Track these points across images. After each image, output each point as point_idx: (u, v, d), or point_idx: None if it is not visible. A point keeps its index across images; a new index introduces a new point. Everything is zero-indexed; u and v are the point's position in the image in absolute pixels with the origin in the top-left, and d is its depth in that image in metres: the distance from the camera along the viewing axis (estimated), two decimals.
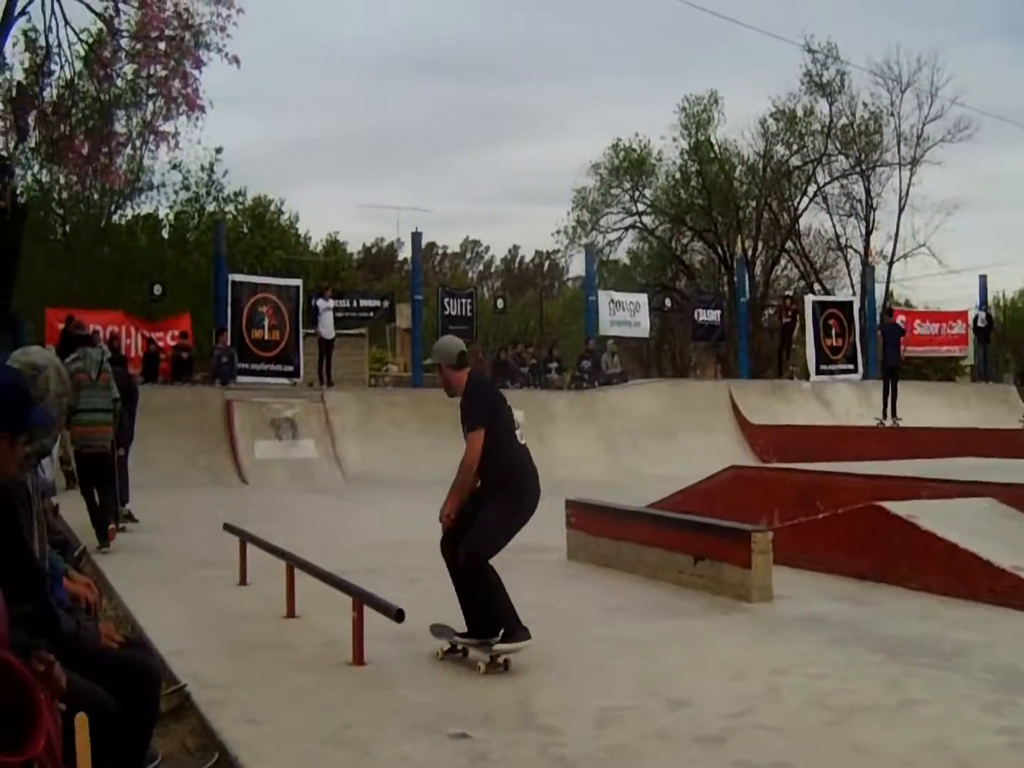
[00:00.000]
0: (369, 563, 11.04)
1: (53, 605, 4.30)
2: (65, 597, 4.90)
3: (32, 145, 28.48)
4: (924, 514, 9.89)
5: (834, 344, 33.99)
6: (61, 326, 25.50)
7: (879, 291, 43.46)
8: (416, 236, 31.09)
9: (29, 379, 4.34)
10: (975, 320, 35.72)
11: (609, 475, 23.67)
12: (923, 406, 31.02)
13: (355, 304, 30.00)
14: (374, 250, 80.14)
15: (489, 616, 7.42)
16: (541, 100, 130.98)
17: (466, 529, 7.46)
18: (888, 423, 27.64)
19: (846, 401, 31.29)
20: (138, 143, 33.06)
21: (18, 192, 28.23)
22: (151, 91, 27.58)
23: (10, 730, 3.13)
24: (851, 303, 36.21)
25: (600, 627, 8.43)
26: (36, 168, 35.63)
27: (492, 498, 7.62)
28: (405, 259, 52.59)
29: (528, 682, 6.71)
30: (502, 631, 7.19)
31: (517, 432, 8.19)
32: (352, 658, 7.09)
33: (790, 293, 33.68)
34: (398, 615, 6.62)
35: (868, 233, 48.54)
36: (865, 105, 47.30)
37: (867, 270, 40.36)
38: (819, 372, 33.39)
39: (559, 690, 6.56)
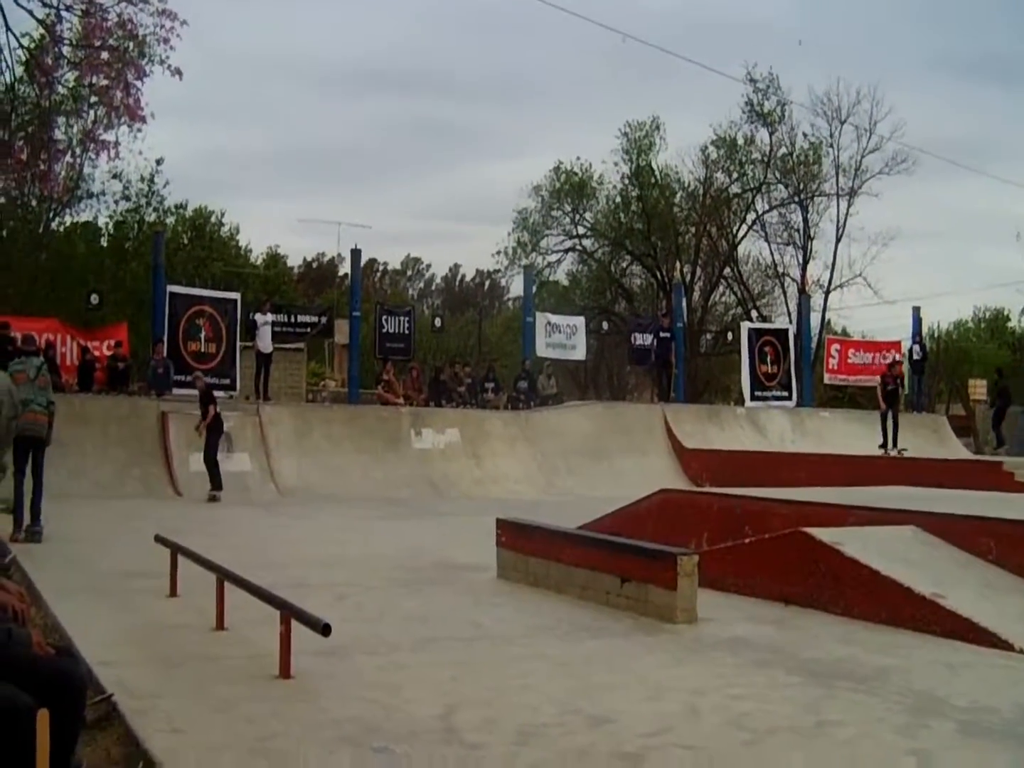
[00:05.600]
0: (299, 578, 11.09)
1: None
2: None
3: None
4: (848, 541, 10.04)
5: (769, 371, 34.32)
6: None
7: (815, 319, 43.95)
8: (356, 253, 31.10)
9: None
10: (910, 352, 36.14)
11: (543, 495, 23.82)
12: (855, 435, 31.41)
13: (293, 319, 29.98)
14: (315, 264, 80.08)
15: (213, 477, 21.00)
16: (488, 120, 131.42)
17: None
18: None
19: (780, 427, 31.60)
20: (78, 151, 32.87)
21: None
22: (92, 100, 27.44)
23: None
24: (787, 331, 36.57)
25: (526, 646, 8.50)
26: None
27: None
28: (345, 275, 52.40)
29: (453, 698, 6.76)
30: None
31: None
32: (279, 671, 7.13)
33: (898, 358, 32.79)
34: (324, 629, 6.67)
35: (805, 262, 49.10)
36: (805, 136, 47.94)
37: (803, 299, 40.77)
38: (754, 398, 33.70)
39: (483, 706, 6.60)
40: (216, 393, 24.50)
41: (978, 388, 48.31)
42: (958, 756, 5.83)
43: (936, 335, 55.19)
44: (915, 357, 35.88)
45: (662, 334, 32.84)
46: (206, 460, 21.60)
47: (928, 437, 33.16)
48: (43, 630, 8.01)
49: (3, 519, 14.92)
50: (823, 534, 10.18)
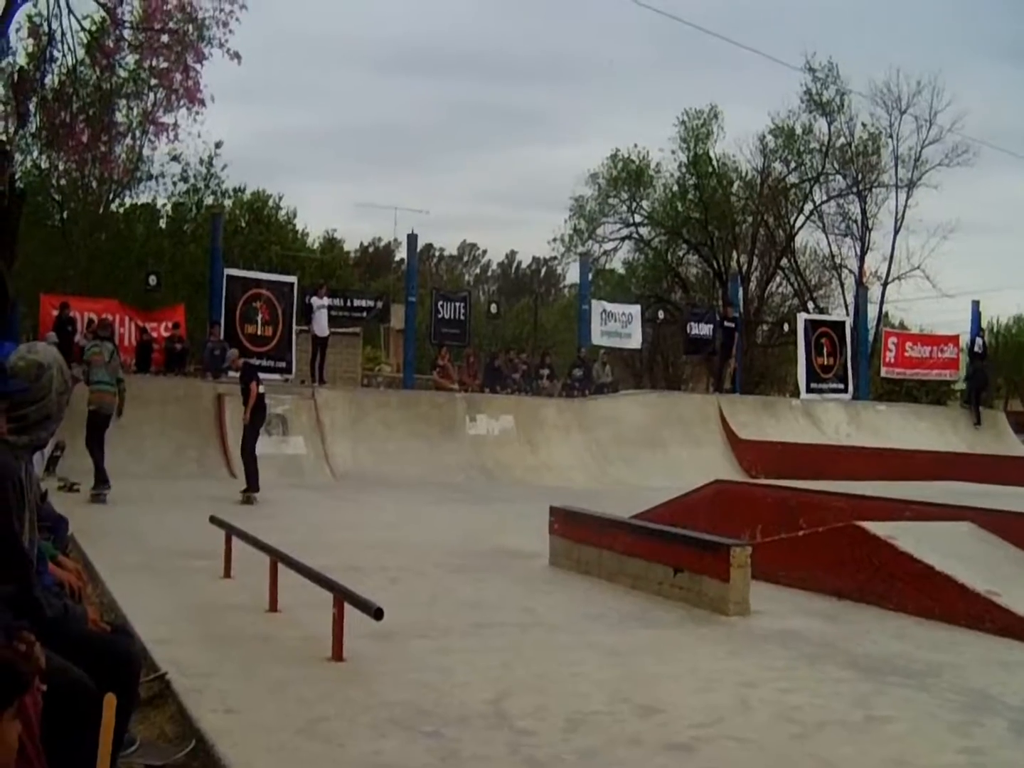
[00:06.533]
0: (353, 561, 11.14)
1: (37, 591, 4.38)
2: (51, 582, 4.99)
3: (32, 131, 28.57)
4: (903, 535, 9.98)
5: (825, 363, 34.09)
6: (55, 312, 25.58)
7: (872, 312, 43.64)
8: (412, 238, 31.12)
9: (34, 378, 4.42)
10: (972, 345, 35.78)
11: (596, 484, 23.78)
12: (912, 428, 31.20)
13: (349, 303, 30.01)
14: (371, 249, 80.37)
15: (249, 475, 18.31)
16: (545, 106, 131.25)
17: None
18: None
19: (835, 420, 31.38)
20: (138, 133, 33.10)
21: (17, 177, 28.28)
22: (152, 82, 27.67)
23: None
24: (843, 323, 36.27)
25: (578, 634, 8.51)
26: (36, 153, 35.55)
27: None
28: (401, 259, 52.68)
29: (505, 684, 6.79)
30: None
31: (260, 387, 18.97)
32: (331, 654, 7.18)
33: None
34: (377, 613, 6.71)
35: (863, 253, 48.61)
36: (864, 126, 47.42)
37: (861, 290, 40.42)
38: (809, 390, 33.49)
39: (535, 693, 6.63)
40: (271, 377, 24.58)
41: None
42: (1010, 755, 5.79)
43: (995, 330, 54.63)
44: (977, 351, 35.53)
45: (726, 324, 32.73)
46: (243, 453, 18.82)
47: (986, 432, 32.90)
48: (99, 608, 8.10)
49: (62, 496, 15.09)
50: (878, 528, 10.12)
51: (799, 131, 48.03)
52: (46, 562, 5.11)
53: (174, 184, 45.16)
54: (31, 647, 3.78)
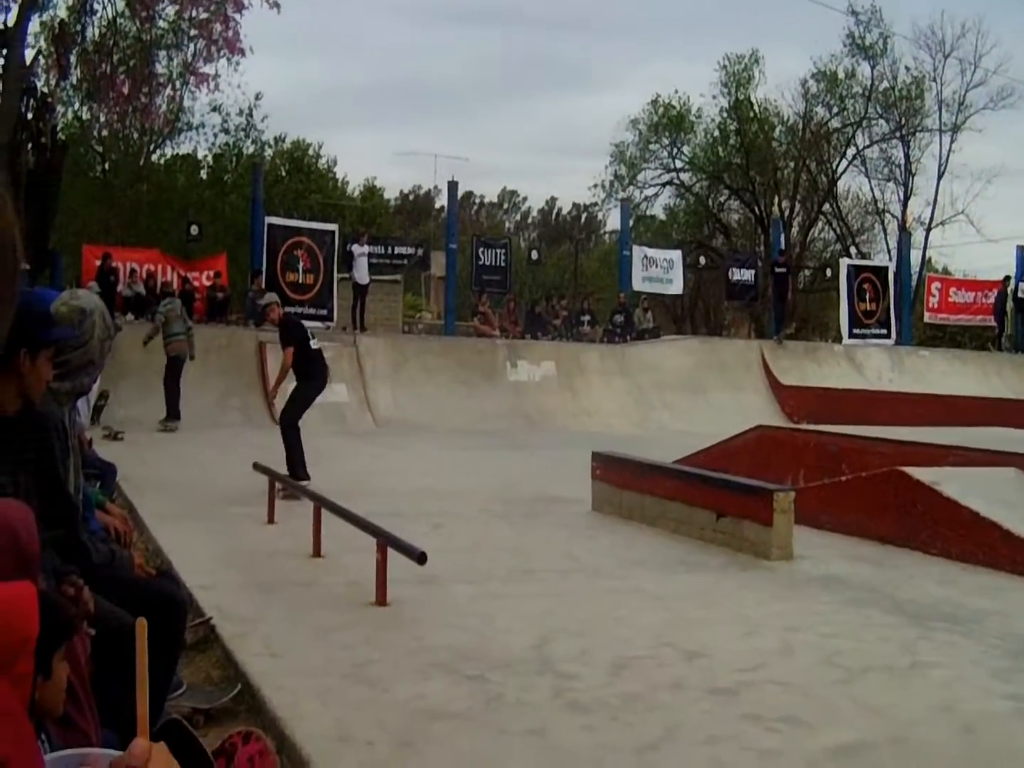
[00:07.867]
0: (396, 507, 11.18)
1: (84, 536, 4.41)
2: (98, 528, 5.03)
3: (73, 83, 28.61)
4: (947, 481, 9.92)
5: (868, 308, 33.85)
6: (97, 262, 25.69)
7: (915, 257, 43.25)
8: (452, 185, 31.02)
9: (76, 323, 4.43)
10: (1015, 291, 35.38)
11: (638, 429, 23.75)
12: (956, 374, 30.96)
13: (390, 250, 30.05)
14: (411, 197, 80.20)
15: (292, 461, 12.72)
16: (585, 53, 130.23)
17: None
18: None
19: (878, 365, 31.18)
20: (178, 84, 33.07)
21: (58, 129, 28.35)
22: (192, 33, 27.62)
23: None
24: (886, 268, 35.96)
25: (620, 579, 8.52)
26: (77, 105, 35.62)
27: (297, 384, 13.16)
28: (442, 207, 52.47)
29: (547, 629, 6.80)
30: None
31: (312, 341, 13.19)
32: (375, 598, 7.22)
33: None
34: (421, 558, 6.73)
35: (906, 198, 48.13)
36: (907, 69, 46.78)
37: (904, 236, 40.04)
38: (852, 336, 33.29)
39: (577, 638, 6.64)
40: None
41: None
42: None
43: None
44: (1021, 296, 35.15)
45: (778, 270, 32.55)
46: (284, 427, 13.31)
47: None
48: (145, 554, 8.17)
49: (107, 444, 15.20)
50: (921, 474, 10.06)
51: (841, 75, 47.47)
52: (93, 508, 5.14)
53: (215, 135, 45.25)
54: (79, 591, 3.81)
